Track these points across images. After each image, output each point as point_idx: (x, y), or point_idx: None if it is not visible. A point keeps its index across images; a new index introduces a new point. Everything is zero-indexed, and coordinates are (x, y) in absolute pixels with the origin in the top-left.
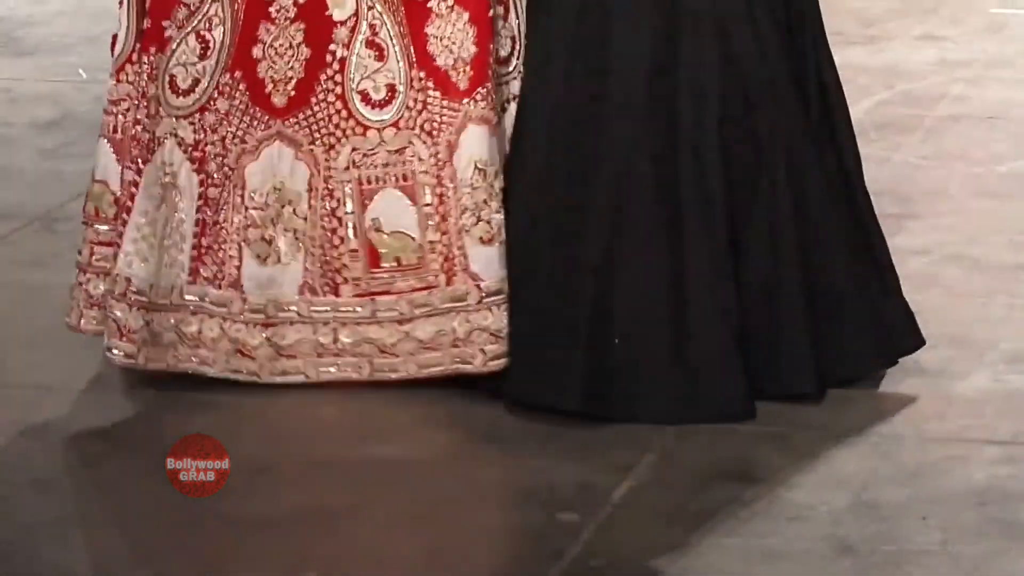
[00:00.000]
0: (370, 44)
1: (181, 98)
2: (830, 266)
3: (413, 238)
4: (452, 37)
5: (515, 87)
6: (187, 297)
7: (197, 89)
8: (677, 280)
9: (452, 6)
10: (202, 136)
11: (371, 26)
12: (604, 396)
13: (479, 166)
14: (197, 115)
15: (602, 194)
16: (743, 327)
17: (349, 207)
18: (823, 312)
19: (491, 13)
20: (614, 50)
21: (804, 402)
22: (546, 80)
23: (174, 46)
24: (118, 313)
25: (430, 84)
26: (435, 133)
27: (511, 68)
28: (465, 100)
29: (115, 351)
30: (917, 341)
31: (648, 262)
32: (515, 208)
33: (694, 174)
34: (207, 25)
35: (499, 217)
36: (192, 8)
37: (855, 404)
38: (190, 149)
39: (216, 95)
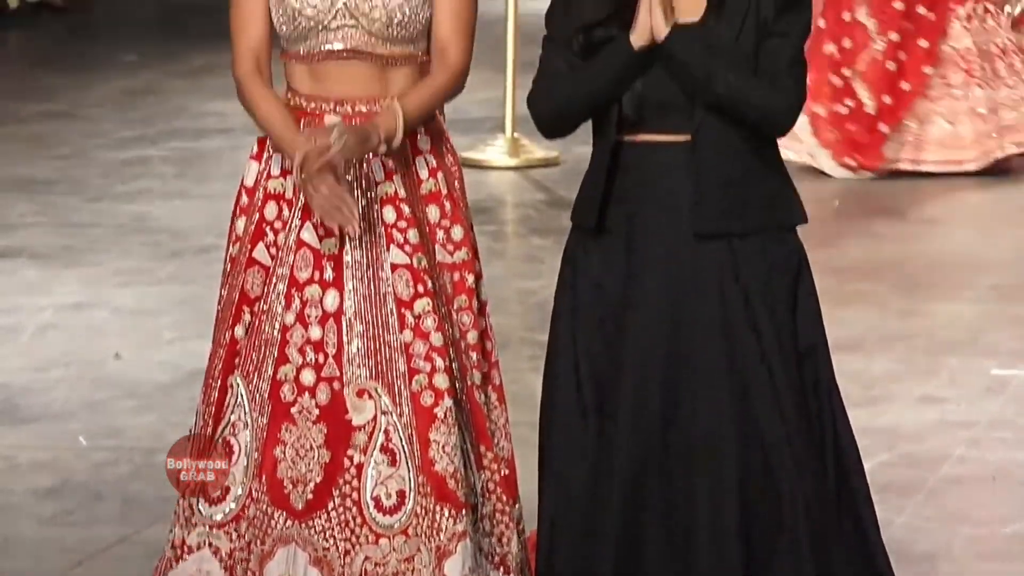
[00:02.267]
0: (384, 449)
1: (213, 507)
2: None
3: None
4: (452, 446)
5: None
6: None
7: (229, 497)
8: None
9: (452, 409)
10: (236, 543)
11: (386, 431)
12: None
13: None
14: (232, 524)
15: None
16: None
17: None
18: None
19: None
20: (620, 416)
21: None
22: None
23: None
24: None
25: (431, 490)
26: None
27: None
28: (463, 511)
29: None
30: None
31: None
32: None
33: (713, 531)
34: (232, 430)
35: None
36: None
37: None
38: (225, 558)
39: (248, 502)
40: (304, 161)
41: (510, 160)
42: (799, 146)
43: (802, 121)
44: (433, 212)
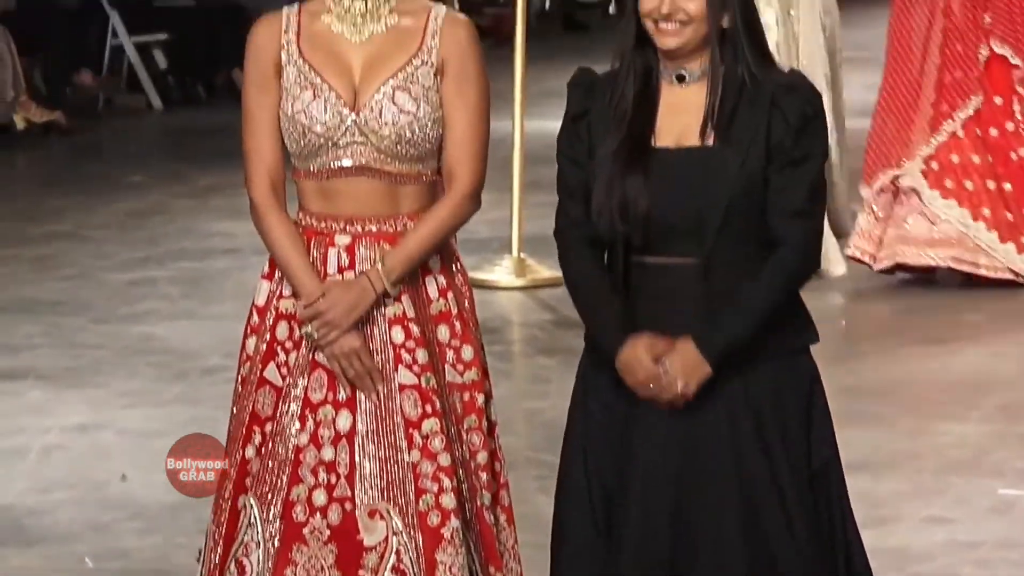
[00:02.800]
0: (396, 570)
1: None
2: None
3: None
4: (459, 567)
5: None
6: None
7: None
8: None
9: (458, 530)
10: None
11: (397, 552)
12: None
13: None
14: None
15: None
16: None
17: None
18: None
19: None
20: (628, 537)
21: None
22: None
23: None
24: None
25: None
26: None
27: None
28: None
29: None
30: None
31: None
32: None
33: None
34: (244, 551)
35: None
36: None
37: None
38: None
39: None
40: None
41: (517, 280)
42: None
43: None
44: (443, 332)
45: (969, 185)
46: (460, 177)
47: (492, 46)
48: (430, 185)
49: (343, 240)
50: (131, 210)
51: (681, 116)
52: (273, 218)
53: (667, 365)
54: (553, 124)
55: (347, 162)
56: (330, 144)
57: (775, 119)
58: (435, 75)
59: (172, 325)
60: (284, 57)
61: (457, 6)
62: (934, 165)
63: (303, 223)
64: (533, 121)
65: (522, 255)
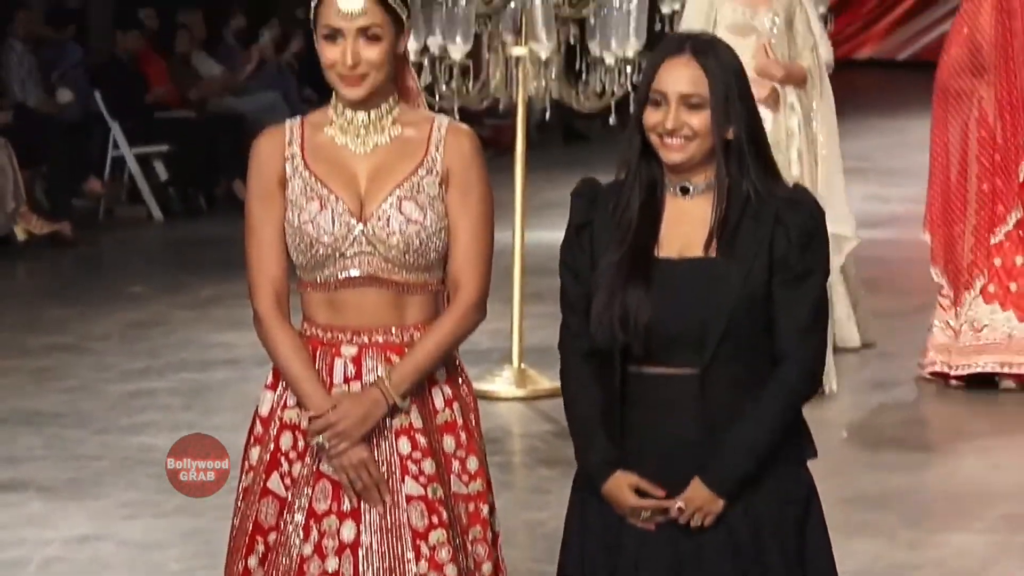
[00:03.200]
0: None
1: None
2: None
3: None
4: None
5: None
6: None
7: None
8: None
9: None
10: None
11: None
12: None
13: None
14: None
15: None
16: None
17: None
18: None
19: None
20: None
21: None
22: None
23: None
24: None
25: None
26: None
27: None
28: None
29: None
30: None
31: None
32: None
33: None
34: None
35: None
36: None
37: None
38: None
39: None
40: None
41: (518, 391)
42: None
43: None
44: (449, 442)
45: (1014, 287)
46: (465, 287)
47: (492, 157)
48: (435, 295)
49: (349, 351)
50: (132, 321)
51: (685, 227)
52: (278, 330)
53: (683, 505)
54: (553, 235)
55: (355, 272)
56: (337, 254)
57: (778, 234)
58: (440, 184)
59: (173, 436)
60: (289, 169)
61: (457, 116)
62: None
63: (308, 333)
64: (534, 232)
65: (523, 366)
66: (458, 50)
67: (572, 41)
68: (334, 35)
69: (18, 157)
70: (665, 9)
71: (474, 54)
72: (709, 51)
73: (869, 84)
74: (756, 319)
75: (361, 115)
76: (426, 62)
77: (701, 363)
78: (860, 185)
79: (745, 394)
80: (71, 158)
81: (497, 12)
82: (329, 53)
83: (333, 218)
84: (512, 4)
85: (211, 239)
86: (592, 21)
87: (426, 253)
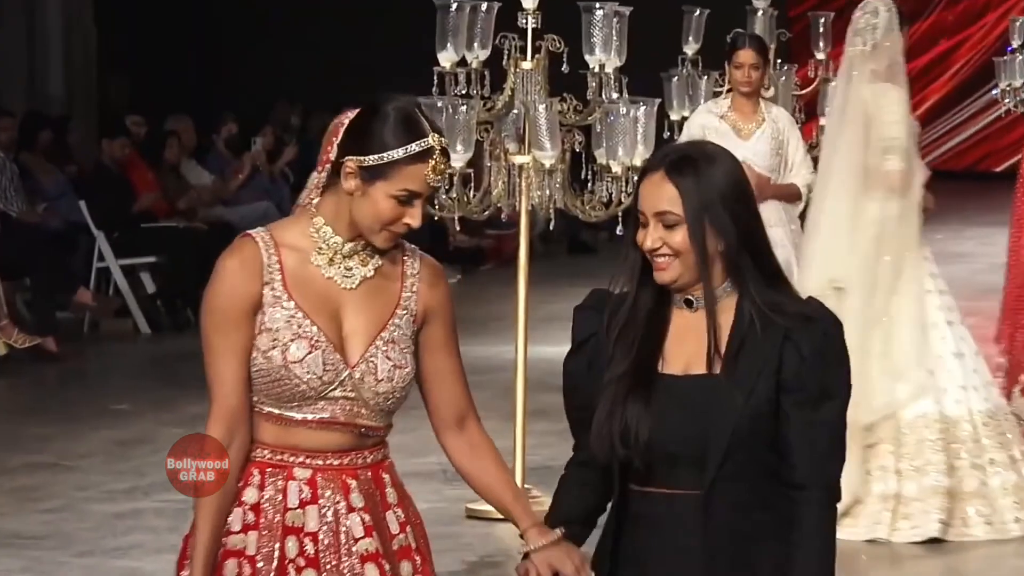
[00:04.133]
0: None
1: None
2: None
3: None
4: None
5: None
6: None
7: None
8: None
9: None
10: None
11: None
12: None
13: None
14: None
15: None
16: None
17: None
18: None
19: None
20: None
21: None
22: None
23: None
24: None
25: None
26: None
27: None
28: None
29: None
30: None
31: None
32: None
33: None
34: None
35: None
36: None
37: None
38: None
39: None
40: None
41: None
42: None
43: None
44: (406, 568)
45: None
46: (472, 416)
47: (494, 268)
48: (383, 438)
49: (303, 473)
50: (117, 439)
51: (690, 342)
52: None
53: None
54: (557, 349)
55: (326, 415)
56: (316, 396)
57: (788, 352)
58: (412, 323)
59: (159, 559)
60: (268, 296)
61: (458, 227)
62: None
63: (254, 456)
64: (537, 346)
65: (526, 485)
66: (459, 158)
67: (577, 148)
68: (410, 199)
69: None
70: (674, 116)
71: (475, 162)
72: (687, 167)
73: None
74: (760, 439)
75: (348, 245)
76: None
77: (703, 484)
78: None
79: (749, 516)
80: (55, 270)
81: (499, 119)
82: (392, 212)
83: (323, 361)
84: (515, 111)
85: (199, 354)
86: (598, 128)
87: (401, 397)
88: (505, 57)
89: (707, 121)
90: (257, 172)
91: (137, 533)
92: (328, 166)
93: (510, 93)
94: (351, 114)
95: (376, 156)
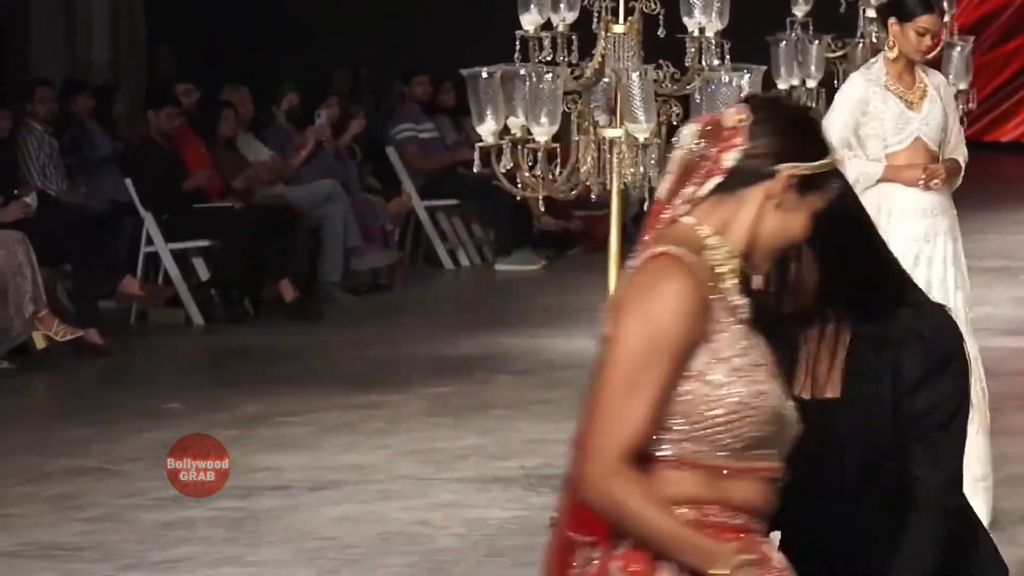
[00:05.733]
0: None
1: None
2: None
3: None
4: None
5: None
6: None
7: None
8: None
9: None
10: None
11: None
12: None
13: None
14: None
15: None
16: None
17: None
18: None
19: None
20: None
21: None
22: None
23: None
24: None
25: None
26: None
27: None
28: None
29: None
30: None
31: None
32: None
33: None
34: None
35: None
36: None
37: None
38: None
39: None
40: None
41: None
42: None
43: None
44: None
45: None
46: None
47: (583, 253)
48: None
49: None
50: (166, 441)
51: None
52: (636, 492)
53: None
54: None
55: (777, 461)
56: (776, 439)
57: (895, 373)
58: None
59: (213, 573)
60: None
61: (543, 207)
62: None
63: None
64: None
65: None
66: (543, 132)
67: (675, 121)
68: None
69: (38, 254)
70: (781, 84)
71: (561, 136)
72: None
73: (1012, 171)
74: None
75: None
76: (506, 145)
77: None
78: (1006, 286)
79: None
80: (98, 255)
81: (588, 89)
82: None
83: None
84: (605, 79)
85: (256, 349)
86: (698, 98)
87: None
88: (595, 20)
89: (868, 94)
90: (321, 148)
91: (188, 544)
92: (724, 175)
93: (600, 60)
94: (734, 112)
95: (818, 163)
